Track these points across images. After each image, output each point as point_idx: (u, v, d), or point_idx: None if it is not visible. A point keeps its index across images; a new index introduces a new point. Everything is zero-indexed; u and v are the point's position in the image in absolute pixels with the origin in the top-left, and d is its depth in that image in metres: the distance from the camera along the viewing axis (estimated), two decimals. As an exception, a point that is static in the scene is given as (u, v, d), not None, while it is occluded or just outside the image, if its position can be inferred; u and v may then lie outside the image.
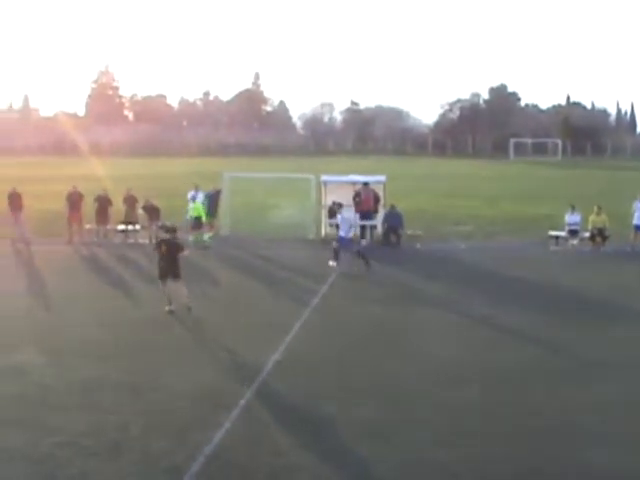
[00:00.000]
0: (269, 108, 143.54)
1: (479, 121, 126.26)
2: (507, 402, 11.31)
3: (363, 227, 26.85)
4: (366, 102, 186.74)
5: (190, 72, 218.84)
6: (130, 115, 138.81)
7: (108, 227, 26.97)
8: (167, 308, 16.27)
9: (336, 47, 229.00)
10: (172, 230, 16.95)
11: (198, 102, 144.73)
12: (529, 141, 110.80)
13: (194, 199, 27.07)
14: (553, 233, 27.16)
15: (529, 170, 76.09)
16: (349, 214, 23.49)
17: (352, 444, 9.74)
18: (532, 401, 11.38)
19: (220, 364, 13.02)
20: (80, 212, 26.65)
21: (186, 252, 16.76)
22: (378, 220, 27.27)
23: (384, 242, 26.65)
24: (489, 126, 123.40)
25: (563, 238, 26.80)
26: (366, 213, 26.99)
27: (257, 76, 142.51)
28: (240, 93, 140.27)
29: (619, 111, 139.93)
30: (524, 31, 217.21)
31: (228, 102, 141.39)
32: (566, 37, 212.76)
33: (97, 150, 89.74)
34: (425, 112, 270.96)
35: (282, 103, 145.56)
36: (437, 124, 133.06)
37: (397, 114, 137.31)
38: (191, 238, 25.34)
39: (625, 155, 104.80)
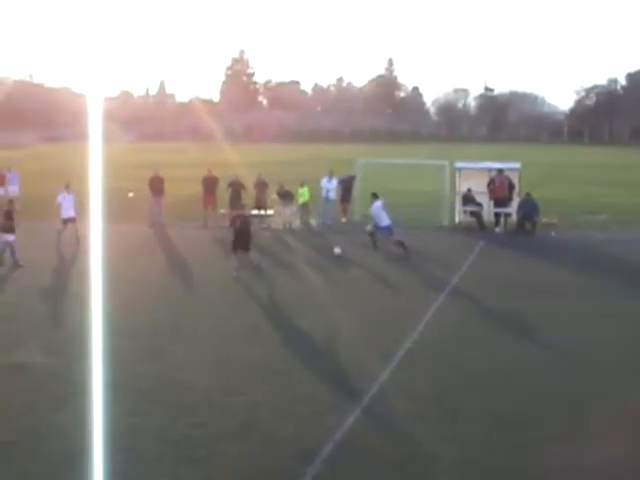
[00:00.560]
0: (402, 94, 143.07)
1: (616, 108, 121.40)
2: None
3: (497, 214, 26.31)
4: (500, 87, 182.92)
5: (324, 58, 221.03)
6: (264, 101, 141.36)
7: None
8: (234, 274, 18.07)
9: (470, 31, 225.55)
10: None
11: (332, 88, 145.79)
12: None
13: (327, 185, 27.57)
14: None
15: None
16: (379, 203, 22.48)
17: (491, 435, 9.42)
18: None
19: (353, 349, 12.86)
20: (215, 196, 27.01)
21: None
22: (513, 208, 26.58)
23: (518, 230, 25.96)
24: (626, 113, 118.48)
25: None
26: (500, 200, 26.39)
27: (391, 62, 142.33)
28: (373, 79, 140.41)
29: None
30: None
31: (361, 88, 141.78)
32: None
33: (231, 136, 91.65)
34: (560, 98, 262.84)
35: (415, 89, 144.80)
36: (572, 111, 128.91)
37: (532, 100, 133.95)
38: (298, 222, 26.60)
39: None
